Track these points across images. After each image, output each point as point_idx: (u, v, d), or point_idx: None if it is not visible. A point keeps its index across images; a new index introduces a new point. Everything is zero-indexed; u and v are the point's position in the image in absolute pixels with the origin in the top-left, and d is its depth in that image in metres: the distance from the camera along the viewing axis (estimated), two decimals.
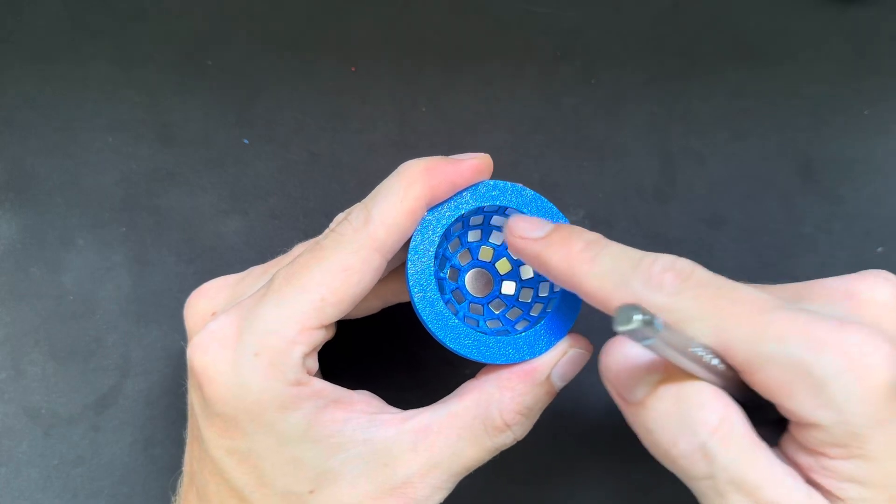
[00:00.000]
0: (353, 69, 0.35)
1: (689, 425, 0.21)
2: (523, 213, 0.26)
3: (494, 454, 0.25)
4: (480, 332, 0.25)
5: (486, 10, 0.35)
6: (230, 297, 0.27)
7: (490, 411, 0.24)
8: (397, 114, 0.35)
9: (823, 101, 0.35)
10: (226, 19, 0.36)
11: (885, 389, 0.20)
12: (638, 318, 0.17)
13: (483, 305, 0.28)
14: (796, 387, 0.20)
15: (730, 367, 0.21)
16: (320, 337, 0.24)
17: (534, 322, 0.26)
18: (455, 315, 0.25)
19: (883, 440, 0.20)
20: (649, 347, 0.19)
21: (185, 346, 0.26)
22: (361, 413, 0.24)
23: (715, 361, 0.21)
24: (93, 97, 0.35)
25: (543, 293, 0.27)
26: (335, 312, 0.24)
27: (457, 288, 0.28)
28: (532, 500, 0.34)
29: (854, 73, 0.35)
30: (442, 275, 0.27)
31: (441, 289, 0.25)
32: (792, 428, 0.21)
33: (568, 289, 0.24)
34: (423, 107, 0.35)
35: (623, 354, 0.22)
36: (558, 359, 0.25)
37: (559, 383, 0.25)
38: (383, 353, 0.34)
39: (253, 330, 0.23)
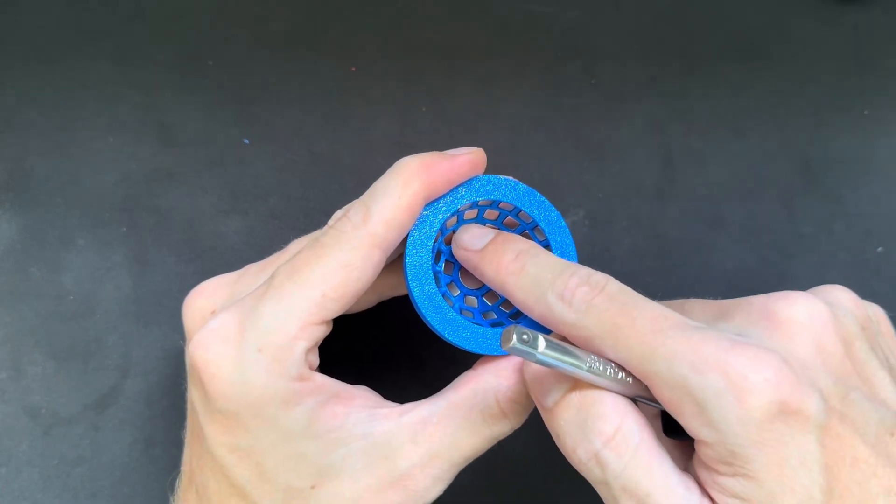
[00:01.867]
0: (353, 69, 0.35)
1: (587, 433, 0.22)
2: (520, 208, 0.26)
3: (493, 443, 0.25)
4: (476, 323, 0.25)
5: (487, 10, 0.35)
6: (229, 295, 0.27)
7: (487, 400, 0.25)
8: (397, 113, 0.35)
9: (823, 101, 0.35)
10: (226, 19, 0.36)
11: (766, 411, 0.20)
12: (516, 340, 0.20)
13: (477, 297, 0.28)
14: (683, 405, 0.21)
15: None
16: (321, 332, 0.24)
17: None
18: (451, 308, 0.25)
19: (765, 460, 0.20)
20: (539, 363, 0.21)
21: (185, 345, 0.26)
22: (361, 407, 0.25)
23: (622, 375, 0.22)
24: (93, 97, 0.35)
25: None
26: (336, 308, 0.24)
27: (451, 281, 0.28)
28: (532, 500, 0.34)
29: (854, 74, 0.35)
30: (437, 268, 0.27)
31: (437, 282, 0.26)
32: (694, 441, 0.22)
33: (495, 289, 0.25)
34: (423, 106, 0.35)
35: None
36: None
37: None
38: (382, 350, 0.34)
39: (255, 326, 0.23)
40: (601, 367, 0.22)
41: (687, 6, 0.36)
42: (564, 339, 0.23)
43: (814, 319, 0.22)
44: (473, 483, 0.26)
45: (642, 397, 0.22)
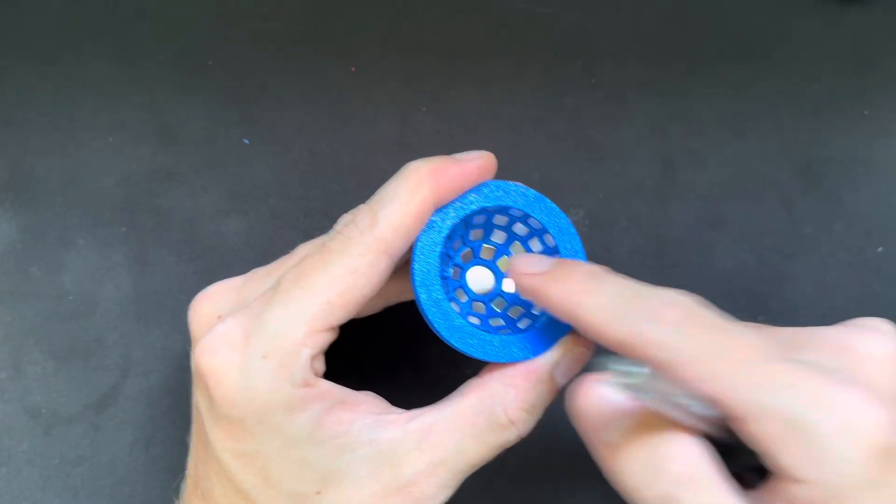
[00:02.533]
0: (353, 69, 0.35)
1: (657, 473, 0.21)
2: (530, 214, 0.26)
3: (499, 451, 0.25)
4: (484, 331, 0.25)
5: (487, 10, 0.35)
6: (235, 300, 0.27)
7: (494, 409, 0.25)
8: (398, 114, 0.35)
9: (824, 101, 0.35)
10: (226, 19, 0.36)
11: (877, 452, 0.19)
12: (634, 370, 0.18)
13: (485, 303, 0.28)
14: (788, 441, 0.20)
15: (718, 415, 0.21)
16: (327, 339, 0.24)
17: (535, 319, 0.26)
18: (459, 314, 0.25)
19: (873, 502, 0.19)
20: (633, 394, 0.19)
21: (189, 347, 0.26)
22: (367, 414, 0.24)
23: (698, 408, 0.20)
24: (93, 97, 0.35)
25: None
26: (343, 315, 0.24)
27: (459, 287, 0.28)
28: (532, 500, 0.34)
29: (854, 74, 0.35)
30: (445, 274, 0.27)
31: (445, 288, 0.26)
32: (773, 479, 0.21)
33: (569, 322, 0.23)
34: (423, 107, 0.35)
35: (597, 397, 0.23)
36: (560, 357, 0.26)
37: (561, 381, 0.26)
38: (386, 354, 0.34)
39: (261, 332, 0.23)
40: (685, 401, 0.20)
41: (687, 6, 0.36)
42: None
43: (887, 355, 0.22)
44: (472, 484, 0.26)
45: (715, 435, 0.21)
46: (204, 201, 0.34)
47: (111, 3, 0.36)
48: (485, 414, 0.24)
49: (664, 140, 0.35)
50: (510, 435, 0.25)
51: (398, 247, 0.24)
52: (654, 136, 0.35)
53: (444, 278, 0.26)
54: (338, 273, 0.24)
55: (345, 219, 0.25)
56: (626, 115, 0.35)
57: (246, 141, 0.35)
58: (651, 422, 0.21)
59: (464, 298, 0.28)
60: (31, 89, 0.35)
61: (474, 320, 0.27)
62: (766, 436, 0.20)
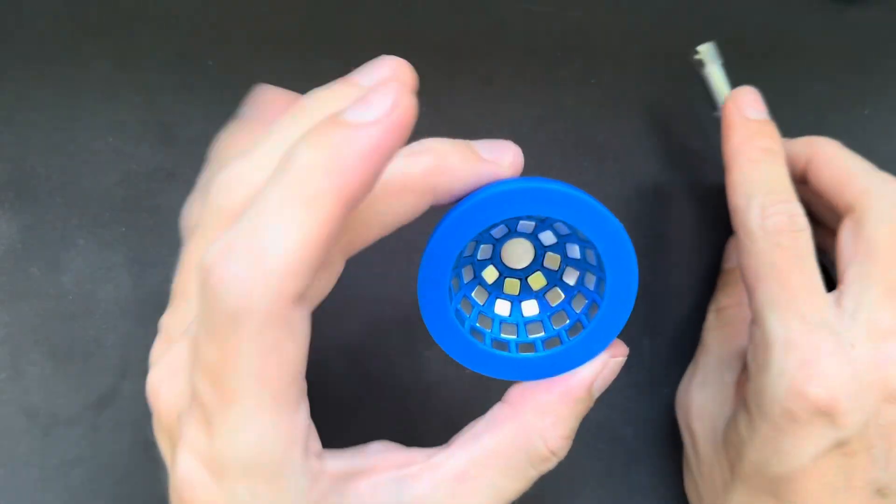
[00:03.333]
0: (353, 69, 0.35)
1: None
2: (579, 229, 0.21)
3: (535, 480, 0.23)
4: (510, 356, 0.22)
5: (487, 10, 0.35)
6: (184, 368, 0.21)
7: (533, 442, 0.22)
8: None
9: (824, 101, 0.35)
10: (226, 19, 0.35)
11: (807, 409, 0.25)
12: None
13: (522, 279, 0.24)
14: (757, 346, 0.27)
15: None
16: (304, 416, 0.19)
17: (573, 322, 0.23)
18: (462, 327, 0.22)
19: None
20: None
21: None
22: (386, 475, 0.21)
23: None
24: (93, 97, 0.35)
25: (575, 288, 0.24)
26: (300, 387, 0.19)
27: (464, 296, 0.24)
28: (532, 500, 0.34)
29: (855, 74, 0.35)
30: (463, 266, 0.23)
31: (450, 296, 0.22)
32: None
33: (726, 161, 0.29)
34: (423, 106, 0.35)
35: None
36: (600, 370, 0.23)
37: (597, 395, 0.23)
38: (387, 355, 0.34)
39: (230, 458, 0.18)
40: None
41: (687, 6, 0.36)
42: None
43: None
44: None
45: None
46: None
47: (111, 4, 0.36)
48: (523, 450, 0.22)
49: (664, 140, 0.35)
50: (551, 465, 0.22)
51: (302, 287, 0.17)
52: (654, 136, 0.35)
53: (449, 287, 0.22)
54: (271, 363, 0.17)
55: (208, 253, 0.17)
56: (626, 115, 0.35)
57: None
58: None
59: (469, 311, 0.24)
60: (31, 89, 0.35)
61: (478, 337, 0.23)
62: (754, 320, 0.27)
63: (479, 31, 0.35)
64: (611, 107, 0.35)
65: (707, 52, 0.31)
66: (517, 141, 0.36)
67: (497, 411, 0.22)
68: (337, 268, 0.20)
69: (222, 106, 0.35)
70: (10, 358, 0.33)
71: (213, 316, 0.17)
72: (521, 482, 0.22)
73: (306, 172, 0.16)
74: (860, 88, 0.35)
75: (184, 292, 0.22)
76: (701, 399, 0.30)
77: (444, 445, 0.22)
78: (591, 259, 0.23)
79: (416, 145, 0.21)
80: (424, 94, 0.36)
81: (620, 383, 0.34)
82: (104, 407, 0.33)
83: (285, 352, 0.17)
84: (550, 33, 0.35)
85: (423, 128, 0.35)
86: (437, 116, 0.35)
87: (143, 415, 0.33)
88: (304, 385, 0.19)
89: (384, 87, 0.17)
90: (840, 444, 0.25)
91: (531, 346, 0.23)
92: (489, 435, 0.22)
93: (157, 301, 0.33)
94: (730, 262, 0.33)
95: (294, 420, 0.18)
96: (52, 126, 0.35)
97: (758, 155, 0.28)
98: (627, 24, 0.35)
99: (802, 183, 0.30)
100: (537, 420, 0.22)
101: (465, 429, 0.23)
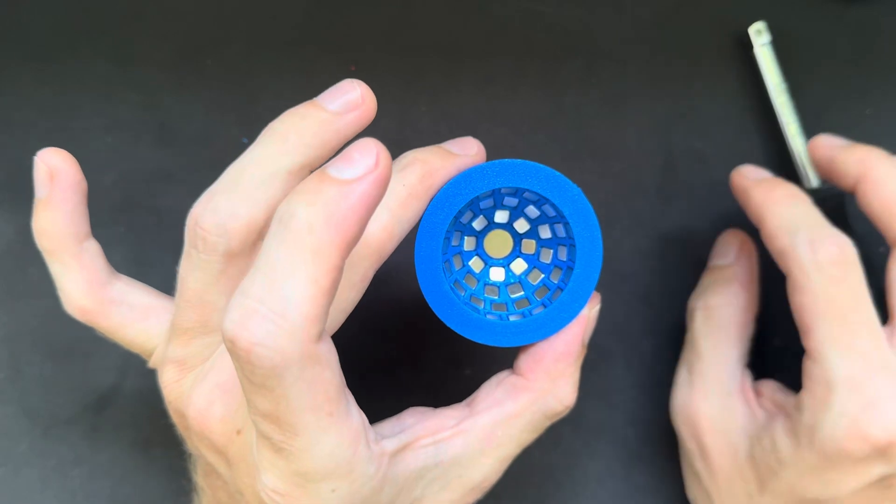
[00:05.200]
0: (352, 68, 0.35)
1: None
2: (550, 199, 0.25)
3: None
4: (505, 321, 0.25)
5: (487, 9, 0.35)
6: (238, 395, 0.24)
7: (549, 403, 0.26)
8: (397, 112, 0.35)
9: (824, 101, 0.35)
10: (226, 19, 0.35)
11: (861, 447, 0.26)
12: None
13: (505, 267, 0.28)
14: (807, 384, 0.27)
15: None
16: (357, 414, 0.22)
17: (553, 291, 0.26)
18: (481, 310, 0.25)
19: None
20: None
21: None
22: (424, 441, 0.25)
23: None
24: (92, 97, 0.35)
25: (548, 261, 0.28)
26: (343, 390, 0.22)
27: (468, 272, 0.28)
28: (532, 500, 0.34)
29: (855, 74, 0.35)
30: (457, 250, 0.27)
31: (448, 269, 0.25)
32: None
33: (752, 217, 0.29)
34: (423, 105, 0.35)
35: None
36: (586, 324, 0.26)
37: (587, 343, 0.27)
38: (386, 354, 0.34)
39: (312, 476, 0.21)
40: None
41: (687, 6, 0.35)
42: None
43: None
44: None
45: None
46: None
47: (110, 3, 0.35)
48: (541, 411, 0.26)
49: (664, 140, 0.35)
50: (564, 414, 0.26)
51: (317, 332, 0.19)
52: (655, 136, 0.35)
53: (447, 261, 0.26)
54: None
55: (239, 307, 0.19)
56: (626, 115, 0.35)
57: (245, 140, 0.35)
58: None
59: (474, 283, 0.28)
60: (31, 89, 0.35)
61: (477, 301, 0.27)
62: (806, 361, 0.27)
63: (479, 31, 0.35)
64: (611, 107, 0.35)
65: (757, 32, 0.33)
66: (517, 141, 0.36)
67: (514, 380, 0.26)
68: (367, 282, 0.24)
69: (221, 106, 0.35)
70: (10, 358, 0.33)
71: (252, 376, 0.19)
72: (538, 432, 0.26)
73: (307, 229, 0.18)
74: (860, 88, 0.35)
75: (188, 330, 0.24)
76: (709, 411, 0.30)
77: (466, 405, 0.26)
78: (560, 233, 0.26)
79: (402, 159, 0.24)
80: (424, 93, 0.36)
81: (621, 383, 0.34)
82: (103, 407, 0.33)
83: (324, 379, 0.20)
84: (550, 33, 0.35)
85: (424, 128, 0.35)
86: (437, 116, 0.35)
87: (142, 415, 0.33)
88: (347, 390, 0.22)
89: (364, 144, 0.19)
90: (884, 478, 0.26)
91: (520, 316, 0.26)
92: (511, 401, 0.25)
93: None
94: (723, 258, 0.33)
95: (351, 423, 0.21)
96: (51, 126, 0.35)
97: (787, 199, 0.28)
98: (628, 23, 0.35)
99: (851, 194, 0.29)
100: (550, 384, 0.26)
101: (483, 392, 0.26)
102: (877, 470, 0.26)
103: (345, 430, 0.21)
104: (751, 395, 0.30)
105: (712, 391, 0.30)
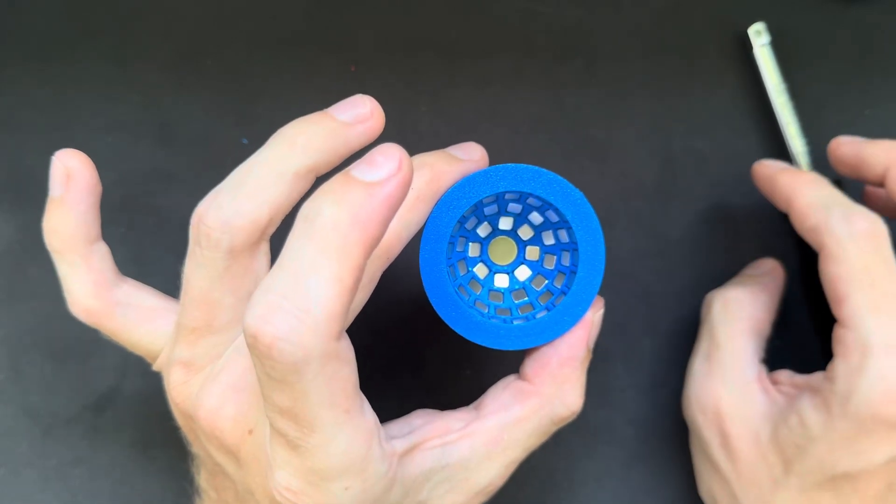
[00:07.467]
0: (352, 68, 0.35)
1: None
2: (555, 204, 0.25)
3: None
4: (509, 324, 0.26)
5: (487, 9, 0.35)
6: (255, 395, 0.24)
7: (556, 409, 0.26)
8: (397, 113, 0.35)
9: (824, 101, 0.35)
10: (226, 19, 0.35)
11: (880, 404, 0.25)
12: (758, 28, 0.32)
13: (509, 274, 0.28)
14: (837, 340, 0.27)
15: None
16: (370, 413, 0.23)
17: (557, 295, 0.27)
18: (485, 314, 0.25)
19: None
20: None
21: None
22: (431, 443, 0.25)
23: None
24: (91, 97, 0.35)
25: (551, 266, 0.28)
26: (358, 388, 0.22)
27: (473, 278, 0.28)
28: (532, 500, 0.34)
29: (855, 74, 0.35)
30: (462, 255, 0.27)
31: (452, 274, 0.25)
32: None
33: (779, 204, 0.30)
34: (423, 106, 0.35)
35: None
36: (590, 327, 0.26)
37: (592, 347, 0.27)
38: (386, 354, 0.34)
39: (329, 477, 0.22)
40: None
41: (687, 6, 0.35)
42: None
43: None
44: None
45: None
46: None
47: (110, 3, 0.35)
48: (548, 416, 0.26)
49: (664, 140, 0.35)
50: (571, 419, 0.26)
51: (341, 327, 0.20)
52: (654, 136, 0.35)
53: (451, 266, 0.26)
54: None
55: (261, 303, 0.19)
56: (626, 115, 0.35)
57: (245, 140, 0.35)
58: None
59: (479, 289, 0.28)
60: (30, 89, 0.35)
61: (482, 306, 0.27)
62: (835, 307, 0.27)
63: (478, 31, 0.35)
64: (611, 107, 0.35)
65: (756, 33, 0.33)
66: (517, 141, 0.36)
67: (521, 385, 0.26)
68: (374, 283, 0.24)
69: (221, 106, 0.35)
70: (10, 359, 0.33)
71: (273, 371, 0.19)
72: (544, 437, 0.26)
73: (333, 227, 0.19)
74: (860, 88, 0.35)
75: (195, 329, 0.24)
76: (729, 398, 0.30)
77: (473, 409, 0.26)
78: (563, 238, 0.26)
79: None
80: (424, 94, 0.36)
81: (621, 383, 0.34)
82: (103, 407, 0.33)
83: (343, 376, 0.20)
84: (550, 33, 0.35)
85: (424, 127, 0.35)
86: (437, 116, 0.35)
87: (142, 416, 0.33)
88: (359, 390, 0.22)
89: (388, 149, 0.20)
90: None
91: (524, 320, 0.26)
92: (517, 406, 0.26)
93: None
94: (753, 270, 0.33)
95: (365, 421, 0.22)
96: (51, 126, 0.35)
97: (814, 181, 0.29)
98: (627, 23, 0.35)
99: (880, 187, 0.30)
100: (557, 390, 0.26)
101: (490, 397, 0.26)
102: None
103: (360, 428, 0.21)
104: (768, 383, 0.30)
105: (732, 379, 0.30)
